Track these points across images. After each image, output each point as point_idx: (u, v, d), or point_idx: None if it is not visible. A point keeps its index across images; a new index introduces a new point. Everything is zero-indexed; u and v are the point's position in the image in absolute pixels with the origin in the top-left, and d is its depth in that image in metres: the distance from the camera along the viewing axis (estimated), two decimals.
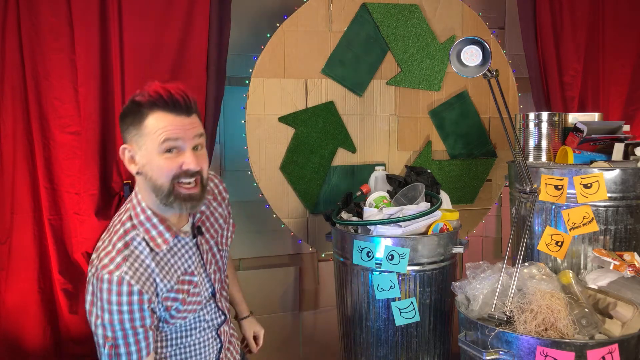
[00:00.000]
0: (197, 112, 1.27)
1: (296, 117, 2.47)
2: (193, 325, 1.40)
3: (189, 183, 1.23)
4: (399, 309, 1.97)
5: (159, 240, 1.29)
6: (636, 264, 1.81)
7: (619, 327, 1.60)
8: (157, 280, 1.26)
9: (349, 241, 2.03)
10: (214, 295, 1.44)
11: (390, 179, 2.26)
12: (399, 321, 1.98)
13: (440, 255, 2.01)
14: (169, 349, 1.38)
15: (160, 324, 1.33)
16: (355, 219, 2.14)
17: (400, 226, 1.95)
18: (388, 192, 2.16)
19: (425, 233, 2.01)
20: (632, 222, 1.97)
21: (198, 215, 1.39)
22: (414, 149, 2.69)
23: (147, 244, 1.27)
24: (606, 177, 1.93)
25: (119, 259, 1.23)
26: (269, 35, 2.41)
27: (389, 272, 1.96)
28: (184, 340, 1.40)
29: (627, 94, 2.82)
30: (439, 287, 2.02)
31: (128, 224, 1.29)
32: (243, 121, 2.41)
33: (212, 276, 1.43)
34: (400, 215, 1.93)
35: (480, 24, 2.71)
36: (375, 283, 1.97)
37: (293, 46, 2.45)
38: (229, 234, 1.52)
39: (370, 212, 2.03)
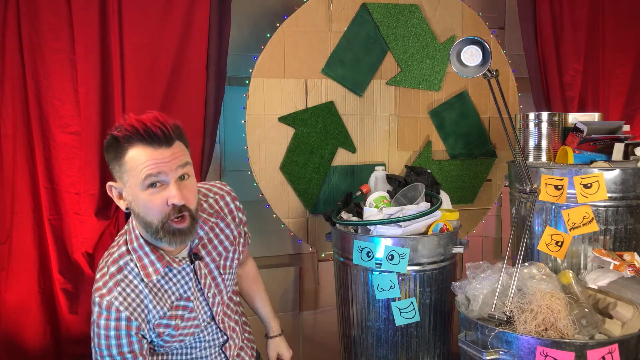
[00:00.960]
0: (181, 139, 1.21)
1: (296, 117, 2.47)
2: (193, 345, 1.40)
3: (178, 218, 1.19)
4: (399, 309, 1.97)
5: (150, 270, 1.26)
6: (636, 264, 1.81)
7: (619, 327, 1.60)
8: (150, 306, 1.26)
9: (349, 241, 2.03)
10: (213, 318, 1.42)
11: (390, 179, 2.26)
12: (399, 321, 1.98)
13: (440, 255, 2.01)
14: None
15: (157, 349, 1.33)
16: (355, 219, 2.14)
17: (400, 226, 1.95)
18: (388, 192, 2.16)
19: (425, 233, 2.01)
20: (632, 222, 1.97)
21: (196, 241, 1.34)
22: (414, 149, 2.69)
23: (135, 269, 1.26)
24: (606, 177, 1.93)
25: (111, 284, 1.23)
26: (269, 35, 2.42)
27: (389, 272, 1.96)
28: (184, 357, 1.41)
29: (627, 94, 2.82)
30: (439, 287, 2.02)
31: (123, 248, 1.28)
32: (243, 121, 2.41)
33: (211, 300, 1.39)
34: (400, 215, 1.93)
35: (480, 24, 2.71)
36: (375, 283, 1.97)
37: (293, 46, 2.45)
38: (236, 256, 1.45)
39: (370, 212, 2.03)
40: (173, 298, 1.30)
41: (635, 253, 1.88)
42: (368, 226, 1.99)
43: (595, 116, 2.31)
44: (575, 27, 2.70)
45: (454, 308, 1.85)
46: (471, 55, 1.61)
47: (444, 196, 2.23)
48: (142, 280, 1.25)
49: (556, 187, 1.98)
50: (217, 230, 1.40)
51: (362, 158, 2.61)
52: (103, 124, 2.06)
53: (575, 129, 2.13)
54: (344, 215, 2.18)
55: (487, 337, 1.57)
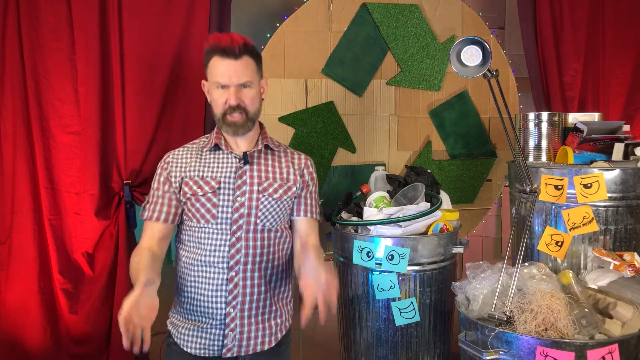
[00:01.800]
0: (252, 55, 1.54)
1: (296, 117, 2.47)
2: (206, 241, 1.55)
3: (234, 115, 1.53)
4: (399, 309, 1.97)
5: (207, 141, 1.63)
6: (636, 264, 1.81)
7: (619, 327, 1.60)
8: (188, 164, 1.59)
9: (349, 241, 2.03)
10: (231, 225, 1.54)
11: (390, 179, 2.26)
12: (399, 321, 1.98)
13: (440, 255, 2.01)
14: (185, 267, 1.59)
15: (187, 221, 1.58)
16: (355, 219, 2.14)
17: (400, 226, 1.95)
18: (388, 192, 2.16)
19: (425, 233, 2.01)
20: (632, 222, 1.97)
21: (255, 152, 1.61)
22: (414, 149, 2.69)
23: (203, 142, 1.64)
24: (606, 177, 1.93)
25: (181, 147, 1.65)
26: (269, 35, 2.42)
27: (389, 272, 1.96)
28: (195, 269, 1.56)
29: (627, 94, 2.82)
30: (439, 287, 2.02)
31: (208, 135, 1.68)
32: None
33: (237, 204, 1.55)
34: (400, 215, 1.93)
35: (480, 24, 2.71)
36: (375, 283, 1.97)
37: (293, 46, 2.45)
38: (281, 192, 1.60)
39: (370, 212, 2.03)
40: (207, 171, 1.57)
41: (635, 253, 1.88)
42: (368, 226, 1.99)
43: (595, 116, 2.31)
44: (575, 27, 2.70)
45: (454, 308, 1.85)
46: (471, 55, 1.61)
47: (444, 196, 2.23)
48: (199, 149, 1.62)
49: (556, 187, 1.98)
50: (276, 161, 1.65)
51: (362, 158, 2.61)
52: (103, 124, 2.06)
53: (575, 129, 2.13)
54: (344, 215, 2.18)
55: (487, 337, 1.57)
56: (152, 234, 1.57)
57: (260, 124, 1.66)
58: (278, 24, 2.42)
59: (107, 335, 2.13)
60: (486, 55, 1.59)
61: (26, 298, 2.03)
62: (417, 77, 2.63)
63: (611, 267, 1.81)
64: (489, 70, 1.65)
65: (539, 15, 2.67)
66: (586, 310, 1.61)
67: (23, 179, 2.01)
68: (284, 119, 2.45)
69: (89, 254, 2.07)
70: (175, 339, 1.60)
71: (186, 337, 1.58)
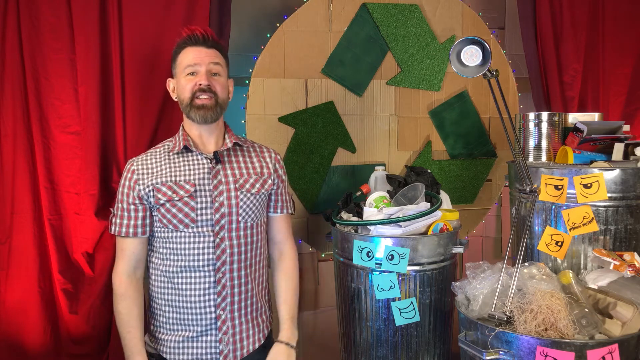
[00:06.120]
0: (219, 47, 1.59)
1: (296, 117, 2.47)
2: (187, 246, 1.53)
3: (204, 97, 1.54)
4: (399, 309, 1.97)
5: (173, 144, 1.61)
6: (636, 264, 1.81)
7: (619, 327, 1.60)
8: (157, 169, 1.56)
9: (349, 241, 2.03)
10: (213, 226, 1.53)
11: (390, 179, 2.26)
12: (399, 321, 1.98)
13: (440, 255, 2.01)
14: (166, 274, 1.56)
15: (156, 233, 1.56)
16: (355, 219, 2.14)
17: (400, 226, 1.95)
18: (388, 192, 2.16)
19: (425, 233, 2.01)
20: (632, 222, 1.97)
21: (225, 151, 1.62)
22: (414, 149, 2.69)
23: (167, 147, 1.62)
24: (606, 177, 1.93)
25: (143, 154, 1.63)
26: (269, 35, 2.42)
27: (389, 272, 1.96)
28: (177, 276, 1.54)
29: (627, 94, 2.82)
30: (439, 287, 2.02)
31: (170, 139, 1.68)
32: (243, 121, 2.41)
33: (217, 204, 1.54)
34: (400, 215, 1.93)
35: (480, 24, 2.71)
36: (375, 283, 1.97)
37: (293, 46, 2.45)
38: (258, 186, 1.62)
39: (370, 212, 2.03)
40: (179, 175, 1.55)
41: (635, 253, 1.88)
42: (368, 226, 1.99)
43: (595, 116, 2.31)
44: (575, 27, 2.70)
45: (454, 308, 1.85)
46: (471, 55, 1.61)
47: (444, 196, 2.23)
48: (165, 153, 1.59)
49: (556, 187, 1.98)
50: (247, 156, 1.67)
51: (362, 158, 2.61)
52: (103, 124, 2.05)
53: (575, 129, 2.13)
54: (344, 215, 2.18)
55: (487, 337, 1.57)
56: (129, 257, 1.57)
57: (225, 123, 1.69)
58: (278, 24, 2.42)
59: (107, 335, 2.13)
60: (486, 55, 1.59)
61: (26, 298, 2.03)
62: (417, 77, 2.63)
63: (611, 267, 1.81)
64: (489, 70, 1.65)
65: (539, 15, 2.67)
66: (586, 310, 1.61)
67: (23, 179, 2.01)
68: (284, 119, 2.45)
69: (89, 254, 2.07)
70: (164, 355, 1.56)
71: (176, 350, 1.55)
